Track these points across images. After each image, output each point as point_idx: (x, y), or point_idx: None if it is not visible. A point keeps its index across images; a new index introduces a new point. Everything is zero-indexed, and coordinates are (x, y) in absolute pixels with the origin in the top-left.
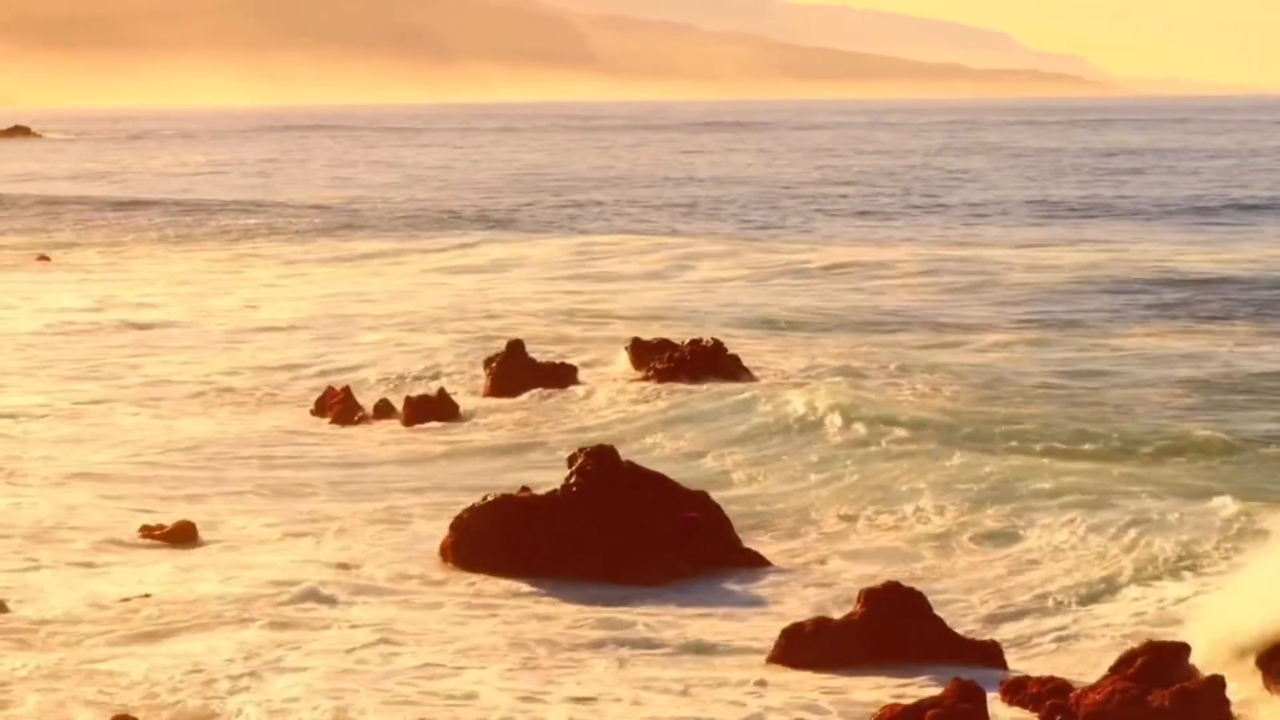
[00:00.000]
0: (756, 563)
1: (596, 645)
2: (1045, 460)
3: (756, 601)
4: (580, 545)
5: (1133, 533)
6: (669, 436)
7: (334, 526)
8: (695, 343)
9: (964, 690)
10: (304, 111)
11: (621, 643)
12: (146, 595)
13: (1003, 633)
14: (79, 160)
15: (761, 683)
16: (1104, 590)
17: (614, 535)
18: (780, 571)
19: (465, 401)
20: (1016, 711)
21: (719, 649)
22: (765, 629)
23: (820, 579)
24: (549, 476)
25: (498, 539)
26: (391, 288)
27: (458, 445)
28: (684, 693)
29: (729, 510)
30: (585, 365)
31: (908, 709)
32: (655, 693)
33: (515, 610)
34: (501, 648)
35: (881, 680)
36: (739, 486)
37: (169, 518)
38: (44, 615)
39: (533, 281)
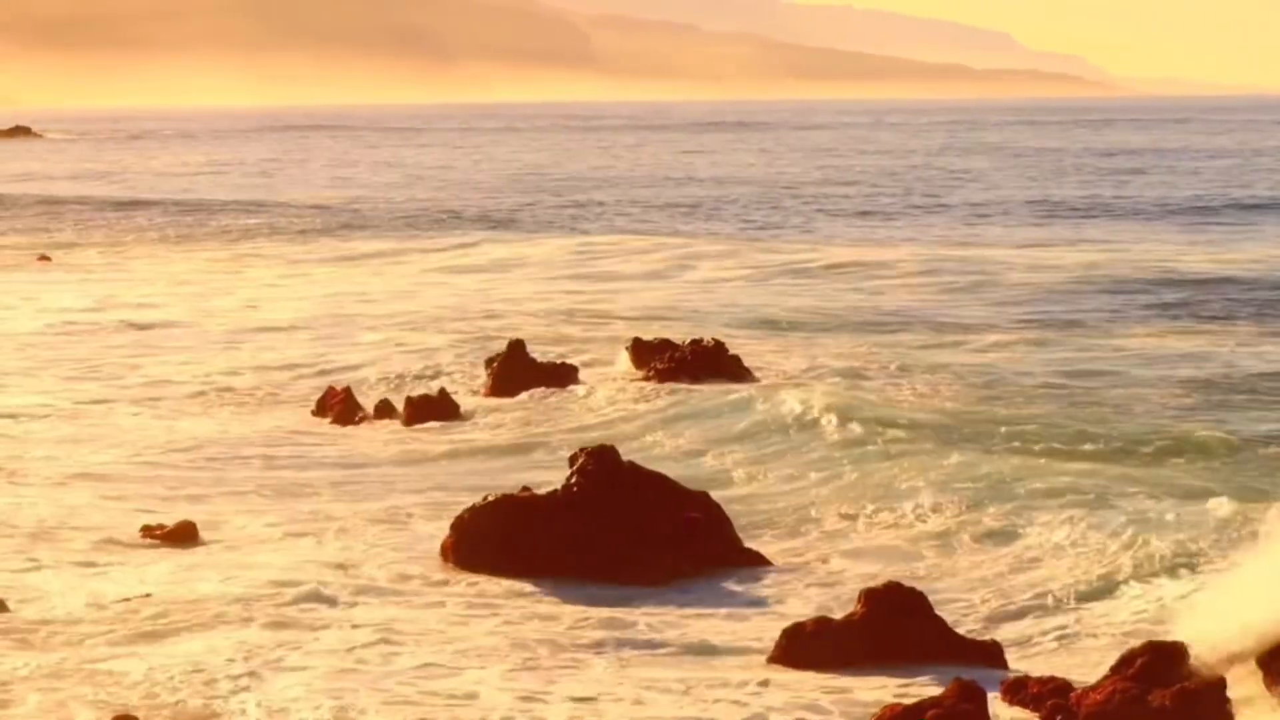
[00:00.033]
0: (757, 562)
1: (597, 645)
2: (1046, 460)
3: (757, 601)
4: (581, 545)
5: (1133, 532)
6: (669, 436)
7: (334, 526)
8: (696, 343)
9: (965, 690)
10: (304, 111)
11: (622, 643)
12: (147, 595)
13: (1003, 632)
14: (80, 160)
15: (763, 683)
16: (1105, 589)
17: (615, 535)
18: (781, 571)
19: (466, 401)
20: (1017, 711)
21: (720, 649)
22: (766, 629)
23: (821, 578)
24: (550, 476)
25: (498, 539)
26: (392, 288)
27: (458, 445)
28: (685, 693)
29: (729, 510)
30: (586, 365)
31: (908, 709)
32: (656, 693)
33: (516, 610)
34: (502, 648)
35: (882, 680)
36: (739, 486)
37: (170, 518)
38: (45, 615)
39: (533, 281)
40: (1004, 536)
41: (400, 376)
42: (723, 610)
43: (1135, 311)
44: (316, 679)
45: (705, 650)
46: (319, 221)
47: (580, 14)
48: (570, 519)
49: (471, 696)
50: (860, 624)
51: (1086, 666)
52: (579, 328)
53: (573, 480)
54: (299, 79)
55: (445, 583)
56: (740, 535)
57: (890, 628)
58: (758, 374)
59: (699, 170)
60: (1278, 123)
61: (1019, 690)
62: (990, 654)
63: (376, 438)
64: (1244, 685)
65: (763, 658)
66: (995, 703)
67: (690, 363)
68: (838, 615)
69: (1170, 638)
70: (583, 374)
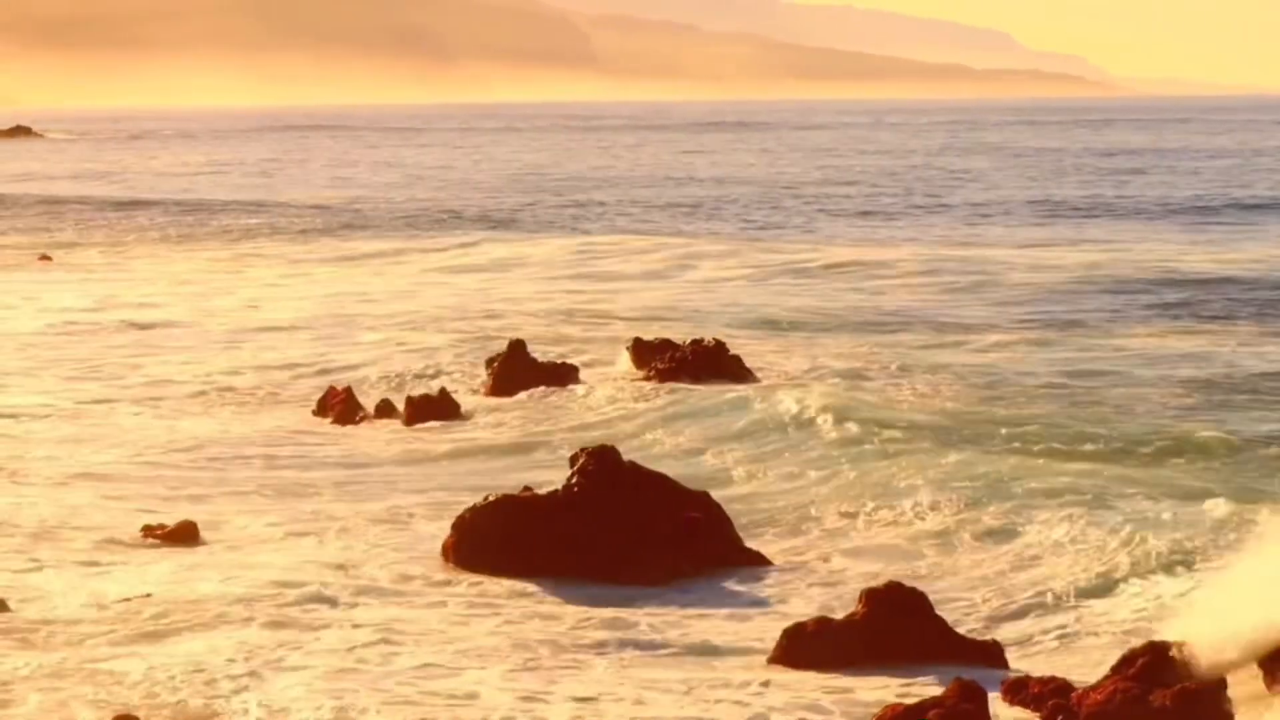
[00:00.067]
0: (758, 562)
1: (598, 646)
2: (1047, 460)
3: (758, 601)
4: (582, 545)
5: (1133, 531)
6: (670, 436)
7: (335, 526)
8: (697, 343)
9: (965, 690)
10: (305, 111)
11: (624, 643)
12: (148, 595)
13: (1004, 631)
14: (80, 160)
15: (765, 683)
16: (1105, 588)
17: (616, 535)
18: (782, 570)
19: (467, 401)
20: (1018, 711)
21: (721, 649)
22: (767, 629)
23: (822, 578)
24: (551, 476)
25: (499, 539)
26: (393, 287)
27: (459, 445)
28: (686, 693)
29: (730, 509)
30: (586, 365)
31: (909, 709)
32: (657, 693)
33: (517, 610)
34: (503, 648)
35: (883, 680)
36: (740, 485)
37: (171, 517)
38: (46, 615)
39: (534, 281)
40: (1004, 535)
41: (400, 376)
42: (724, 610)
43: (1136, 311)
44: (317, 679)
45: (706, 650)
46: (319, 221)
47: (581, 14)
48: (571, 519)
49: (472, 697)
50: (861, 624)
51: (1087, 666)
52: (579, 328)
53: (573, 480)
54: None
55: (446, 583)
56: (741, 534)
57: (891, 628)
58: (759, 374)
59: (699, 170)
60: (1278, 123)
61: (1020, 690)
62: (991, 654)
63: (377, 437)
64: (1244, 685)
65: (763, 658)
66: (996, 703)
67: (691, 363)
68: (839, 615)
69: (1171, 637)
70: (583, 374)
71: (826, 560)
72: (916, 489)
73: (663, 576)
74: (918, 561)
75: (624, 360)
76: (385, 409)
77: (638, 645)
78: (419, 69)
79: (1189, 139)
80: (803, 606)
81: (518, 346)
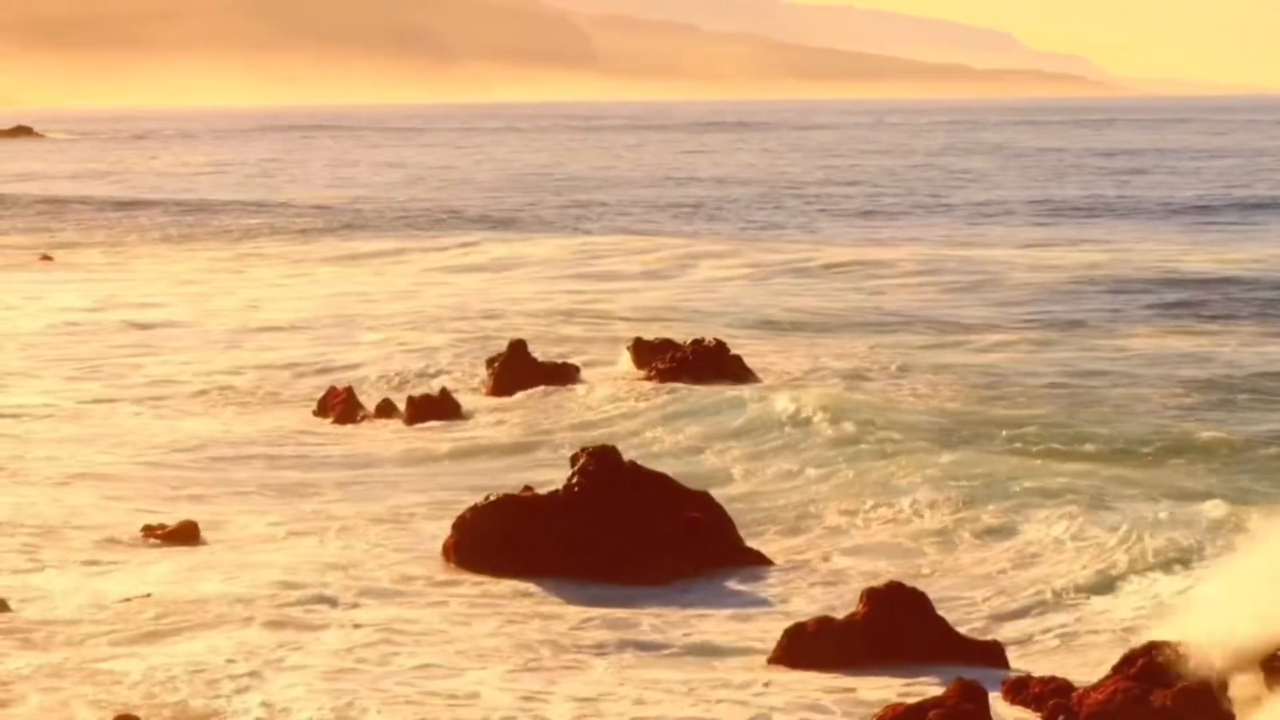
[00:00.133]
0: (758, 561)
1: (599, 645)
2: (1047, 459)
3: (759, 601)
4: (583, 545)
5: (1133, 531)
6: (670, 436)
7: (336, 526)
8: (697, 343)
9: (966, 690)
10: (305, 112)
11: (624, 643)
12: (148, 595)
13: (1004, 631)
14: (81, 160)
15: (766, 683)
16: (1105, 588)
17: (616, 535)
18: (782, 570)
19: (467, 401)
20: (1019, 711)
21: (722, 649)
22: (768, 629)
23: (822, 578)
24: (551, 475)
25: (500, 539)
26: (393, 287)
27: (460, 445)
28: (688, 693)
29: (730, 508)
30: (587, 365)
31: (910, 709)
32: (658, 693)
33: (517, 610)
34: (504, 648)
35: (884, 680)
36: (740, 484)
37: (171, 517)
38: (46, 615)
39: (535, 281)
40: (1004, 534)
41: (401, 376)
42: (725, 610)
43: (1137, 311)
44: (318, 679)
45: (707, 650)
46: (320, 221)
47: (581, 14)
48: (572, 519)
49: (473, 696)
50: (862, 624)
51: (1087, 665)
52: (580, 328)
53: (574, 480)
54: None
55: (447, 583)
56: (741, 534)
57: (892, 628)
58: (759, 374)
59: (700, 170)
60: (1278, 123)
61: (1020, 690)
62: (991, 654)
63: (378, 437)
64: (1244, 685)
65: (764, 658)
66: (997, 703)
67: (692, 363)
68: (840, 615)
69: (1171, 637)
70: (584, 374)
71: (827, 559)
72: (916, 488)
73: (663, 576)
74: (918, 559)
75: (625, 360)
76: (386, 409)
77: (638, 645)
78: (420, 69)
79: (1190, 139)
80: (803, 606)
81: (518, 346)
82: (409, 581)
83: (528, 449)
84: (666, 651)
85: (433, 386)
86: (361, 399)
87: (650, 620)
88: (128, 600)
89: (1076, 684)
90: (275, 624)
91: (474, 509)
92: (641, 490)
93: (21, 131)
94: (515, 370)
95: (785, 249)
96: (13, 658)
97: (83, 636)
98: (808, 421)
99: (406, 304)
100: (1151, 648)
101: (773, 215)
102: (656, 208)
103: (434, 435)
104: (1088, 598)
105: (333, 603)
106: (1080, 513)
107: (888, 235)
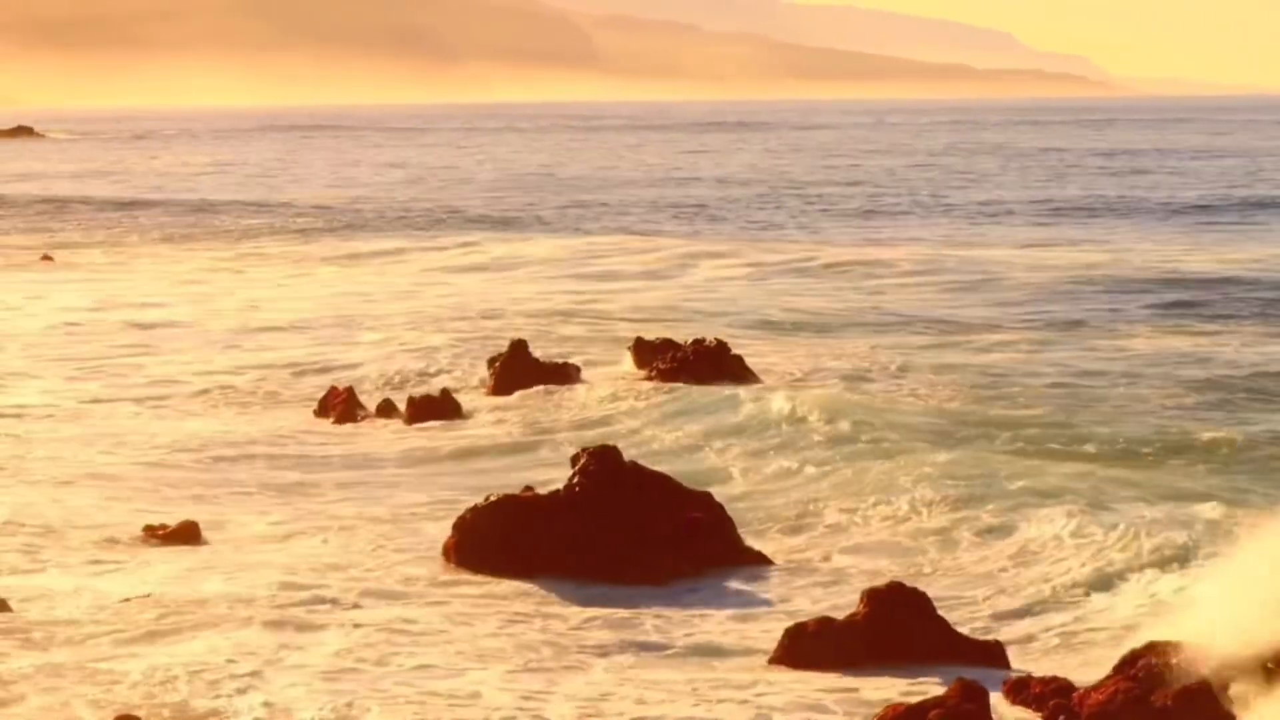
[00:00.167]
0: (759, 561)
1: (600, 645)
2: (1048, 459)
3: (760, 601)
4: (583, 545)
5: (1134, 531)
6: (671, 436)
7: (336, 526)
8: (698, 343)
9: (967, 690)
10: (306, 112)
11: (626, 643)
12: (148, 595)
13: (1005, 630)
14: (82, 160)
15: (767, 683)
16: (1105, 587)
17: (617, 535)
18: (783, 570)
19: (468, 401)
20: (1020, 711)
21: (723, 649)
22: (768, 629)
23: (822, 578)
24: (552, 475)
25: (500, 539)
26: (394, 287)
27: (461, 445)
28: (688, 693)
29: (731, 508)
30: (588, 365)
31: (911, 709)
32: (660, 693)
33: (518, 610)
34: (504, 648)
35: (885, 680)
36: (741, 484)
37: (172, 517)
38: (47, 615)
39: (535, 281)
40: (1005, 533)
41: (402, 376)
42: (725, 610)
43: (1137, 311)
44: (318, 679)
45: (708, 650)
46: (321, 221)
47: (582, 14)
48: (572, 519)
49: (474, 696)
50: (863, 624)
51: (1088, 665)
52: (581, 328)
53: (575, 480)
54: (300, 79)
55: (447, 583)
56: (742, 533)
57: (893, 628)
58: (760, 374)
59: (701, 170)
60: (1278, 123)
61: (1021, 690)
62: (992, 654)
63: (379, 437)
64: (1244, 685)
65: (765, 658)
66: (998, 703)
67: (693, 363)
68: (841, 614)
69: (1171, 637)
70: (585, 374)
71: (828, 559)
72: (917, 488)
73: (664, 577)
74: (919, 558)
75: (626, 360)
76: (387, 409)
77: (639, 645)
78: (420, 69)
79: (1190, 139)
80: (804, 606)
81: (519, 346)
82: (410, 582)
83: (528, 449)
84: (667, 652)
85: (433, 386)
86: (362, 399)
87: (651, 620)
88: (128, 600)
89: (1077, 684)
90: (276, 624)
91: (474, 509)
92: (642, 490)
93: (22, 131)
94: (516, 370)
95: (786, 249)
96: (13, 657)
97: (83, 636)
98: (807, 421)
99: (407, 304)
100: (1152, 648)
101: (773, 215)
102: (657, 208)
103: (434, 435)
104: (1088, 596)
105: (333, 603)
106: (1080, 512)
107: (888, 235)
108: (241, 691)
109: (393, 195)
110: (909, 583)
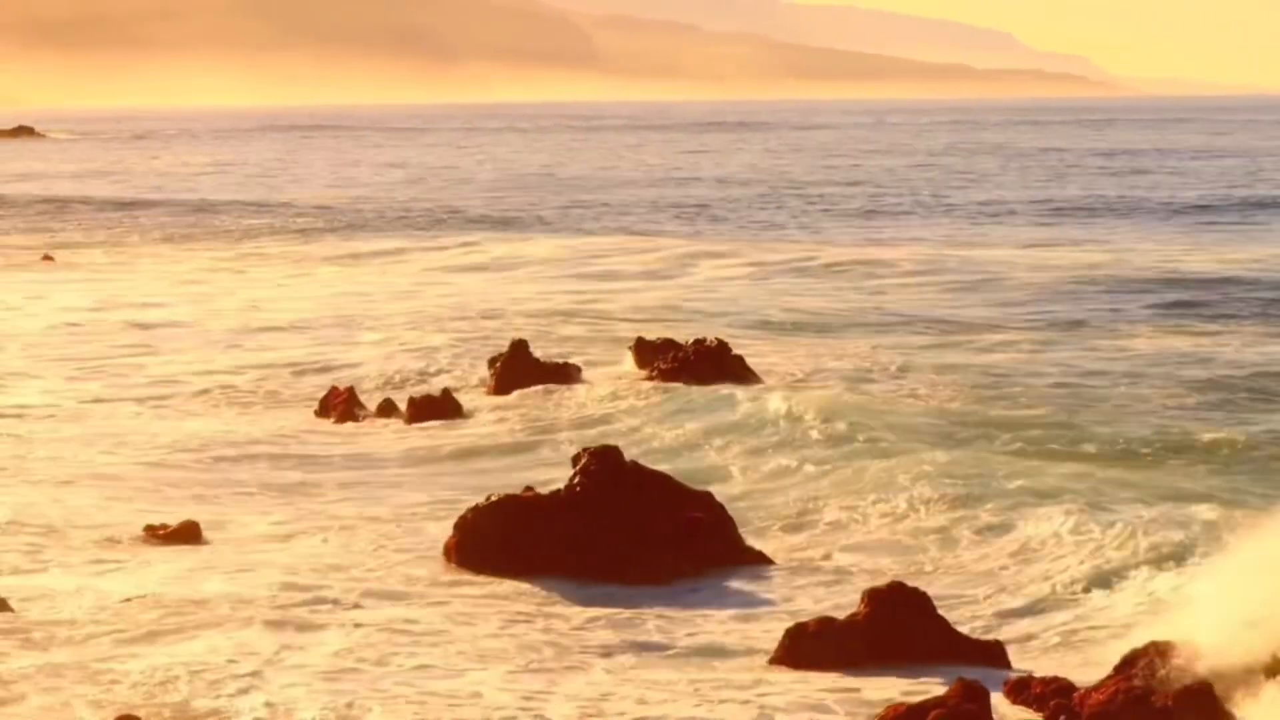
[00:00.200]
0: (760, 561)
1: (601, 645)
2: (1048, 459)
3: (760, 601)
4: (584, 545)
5: (1135, 530)
6: (672, 435)
7: (337, 526)
8: (699, 343)
9: (968, 690)
10: (307, 112)
11: (626, 643)
12: (147, 595)
13: (1005, 630)
14: (82, 160)
15: (768, 683)
16: (1106, 587)
17: (618, 535)
18: (783, 570)
19: (469, 400)
20: (1020, 711)
21: (724, 649)
22: (769, 628)
23: (823, 578)
24: (553, 475)
25: (501, 539)
26: (394, 287)
27: (461, 444)
28: (689, 693)
29: (732, 508)
30: (588, 365)
31: (912, 709)
32: (661, 693)
33: (519, 610)
34: (505, 648)
35: (886, 680)
36: (742, 483)
37: (173, 517)
38: (48, 615)
39: (536, 281)
40: (1004, 531)
41: (403, 376)
42: (726, 610)
43: (1138, 311)
44: (319, 679)
45: (709, 650)
46: (321, 221)
47: (582, 14)
48: (573, 519)
49: (474, 697)
50: (864, 624)
51: (1088, 664)
52: (581, 327)
53: (576, 480)
54: (301, 79)
55: (448, 583)
56: (743, 533)
57: (893, 628)
58: (761, 374)
59: (701, 170)
60: (1278, 123)
61: (1022, 690)
62: (993, 654)
63: (380, 437)
64: (1245, 685)
65: (766, 658)
66: (999, 703)
67: (693, 363)
68: (842, 614)
69: (1172, 636)
70: (585, 373)
71: (828, 558)
72: (917, 487)
73: (665, 576)
74: (919, 556)
75: (627, 360)
76: (387, 408)
77: (640, 645)
78: (420, 69)
79: (1190, 139)
80: (805, 605)
81: (520, 346)
82: (410, 582)
83: (529, 449)
84: (669, 652)
85: (434, 386)
86: (362, 399)
87: (652, 620)
88: (129, 600)
89: (1077, 683)
90: (276, 624)
91: (475, 509)
92: (643, 490)
93: (22, 131)
94: (516, 370)
95: (786, 249)
96: (14, 657)
97: (84, 636)
98: (807, 421)
99: (407, 304)
100: (1152, 648)
101: (774, 215)
102: (657, 208)
103: (435, 435)
104: (1089, 595)
105: (334, 603)
106: (1081, 511)
107: (889, 235)
108: (242, 691)
109: (393, 195)
110: (909, 581)
